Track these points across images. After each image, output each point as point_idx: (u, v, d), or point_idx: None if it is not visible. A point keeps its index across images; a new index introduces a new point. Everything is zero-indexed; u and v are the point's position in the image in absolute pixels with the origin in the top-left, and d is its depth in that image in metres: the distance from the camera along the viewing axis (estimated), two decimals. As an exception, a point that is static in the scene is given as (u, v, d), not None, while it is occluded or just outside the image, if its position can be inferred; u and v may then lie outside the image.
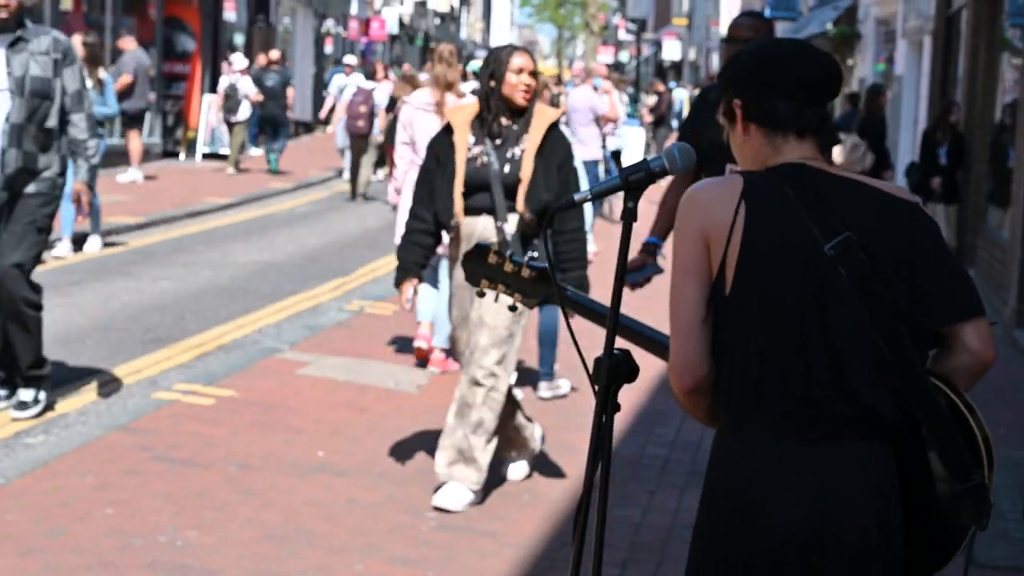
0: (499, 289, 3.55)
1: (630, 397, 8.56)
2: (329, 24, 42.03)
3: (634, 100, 34.98)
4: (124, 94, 19.81)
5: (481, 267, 3.57)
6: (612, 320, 2.89)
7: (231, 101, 23.52)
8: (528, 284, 3.50)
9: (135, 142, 20.96)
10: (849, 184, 2.99)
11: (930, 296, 2.97)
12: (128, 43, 21.06)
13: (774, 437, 2.93)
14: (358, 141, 20.89)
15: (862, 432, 2.92)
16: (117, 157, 22.87)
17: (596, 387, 2.99)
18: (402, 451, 7.46)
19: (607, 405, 2.91)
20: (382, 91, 20.98)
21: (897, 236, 2.95)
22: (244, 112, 23.76)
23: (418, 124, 9.06)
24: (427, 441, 7.67)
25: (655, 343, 3.26)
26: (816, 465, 2.91)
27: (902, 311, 2.93)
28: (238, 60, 24.35)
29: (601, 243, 16.97)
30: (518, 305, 3.55)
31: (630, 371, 2.96)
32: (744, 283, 2.91)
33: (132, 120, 20.81)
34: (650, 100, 34.94)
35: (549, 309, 8.82)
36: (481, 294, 3.59)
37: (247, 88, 23.64)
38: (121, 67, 20.64)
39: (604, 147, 17.86)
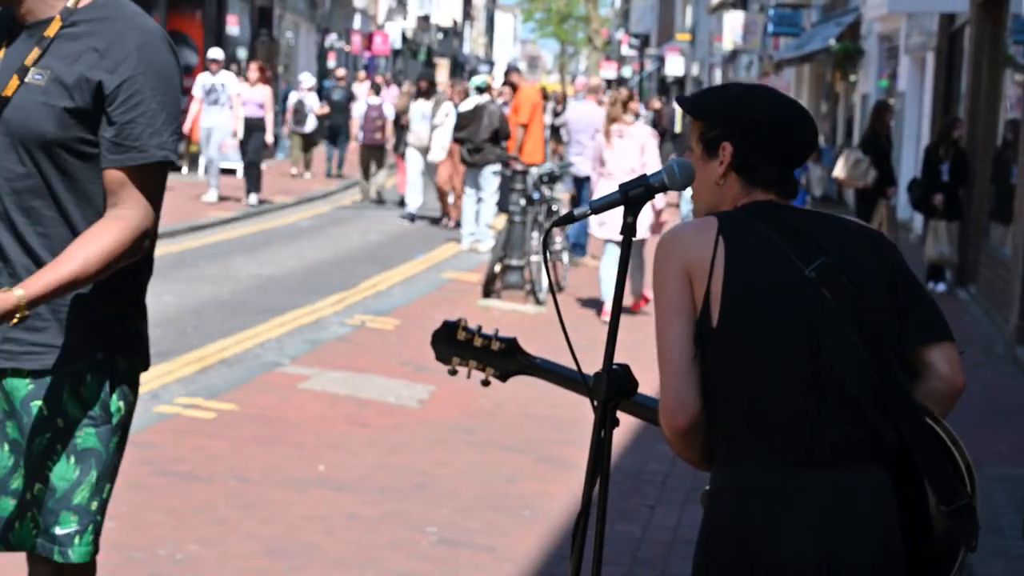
0: (471, 366, 3.50)
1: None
2: (332, 39, 42.10)
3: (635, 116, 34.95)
4: None
5: (451, 345, 3.50)
6: (611, 335, 2.90)
7: (299, 115, 26.84)
8: (499, 357, 3.46)
9: None
10: (818, 217, 3.07)
11: (901, 319, 3.00)
12: None
13: (777, 468, 2.92)
14: (374, 151, 22.96)
15: (865, 457, 2.92)
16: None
17: (595, 402, 2.98)
18: (403, 466, 7.46)
19: (606, 420, 2.91)
20: (389, 105, 23.21)
21: (868, 262, 3.00)
22: (311, 124, 27.06)
23: (604, 149, 12.73)
24: (428, 456, 7.68)
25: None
26: (822, 497, 2.90)
27: (887, 335, 2.96)
28: (306, 79, 27.86)
29: (601, 254, 17.00)
30: (491, 380, 3.51)
31: (629, 386, 2.96)
32: (731, 315, 2.93)
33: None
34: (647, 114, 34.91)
35: None
36: (453, 372, 3.53)
37: (313, 103, 27.12)
38: None
39: None
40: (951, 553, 3.00)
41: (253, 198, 20.98)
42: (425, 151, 19.93)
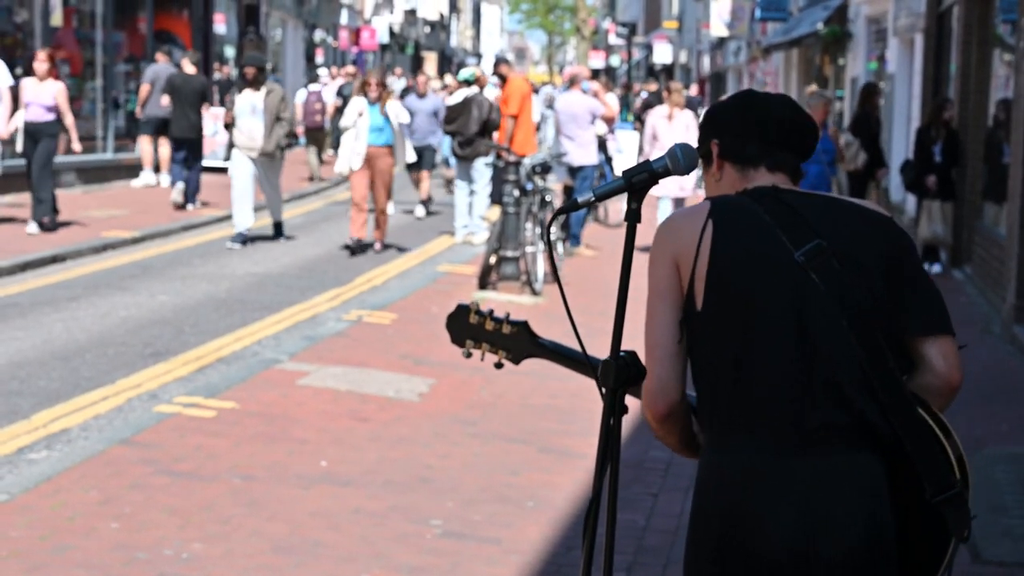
0: (484, 348, 3.52)
1: (634, 400, 8.56)
2: (319, 35, 42.03)
3: (626, 105, 34.96)
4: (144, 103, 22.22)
5: (464, 328, 3.53)
6: (618, 321, 2.90)
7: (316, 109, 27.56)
8: (511, 340, 3.49)
9: (162, 149, 22.50)
10: (823, 200, 3.06)
11: (900, 308, 2.99)
12: (159, 58, 22.89)
13: (761, 452, 2.93)
14: (314, 132, 25.90)
15: (852, 442, 2.92)
16: (112, 172, 22.90)
17: (603, 390, 2.98)
18: (405, 459, 7.45)
19: (615, 408, 2.91)
20: (329, 91, 25.86)
21: (871, 248, 2.99)
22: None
23: (659, 128, 16.48)
24: (430, 449, 7.68)
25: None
26: (805, 479, 2.91)
27: (878, 320, 2.94)
28: (324, 75, 30.56)
29: (596, 243, 17.00)
30: (504, 363, 3.54)
31: (637, 373, 2.97)
32: (715, 299, 2.94)
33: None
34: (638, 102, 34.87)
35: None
36: (468, 355, 3.54)
37: (329, 99, 27.92)
38: (143, 79, 22.70)
39: (603, 151, 17.87)
40: (943, 542, 3.00)
41: (32, 226, 16.05)
42: (261, 154, 16.23)
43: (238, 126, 16.33)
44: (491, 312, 3.52)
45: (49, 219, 16.20)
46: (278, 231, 17.15)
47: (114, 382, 9.31)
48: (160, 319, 11.63)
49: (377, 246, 16.38)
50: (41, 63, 16.29)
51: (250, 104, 16.28)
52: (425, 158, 20.63)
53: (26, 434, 7.98)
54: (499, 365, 3.56)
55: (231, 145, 16.62)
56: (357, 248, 16.11)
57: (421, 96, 21.46)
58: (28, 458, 7.50)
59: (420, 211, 20.69)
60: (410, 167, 20.15)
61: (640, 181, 2.94)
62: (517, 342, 3.47)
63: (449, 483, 7.07)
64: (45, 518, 6.26)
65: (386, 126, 15.82)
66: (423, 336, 10.84)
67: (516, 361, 3.50)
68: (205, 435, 7.72)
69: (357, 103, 15.88)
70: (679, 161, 2.96)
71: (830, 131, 14.15)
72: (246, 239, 16.54)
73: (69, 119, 16.35)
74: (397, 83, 34.13)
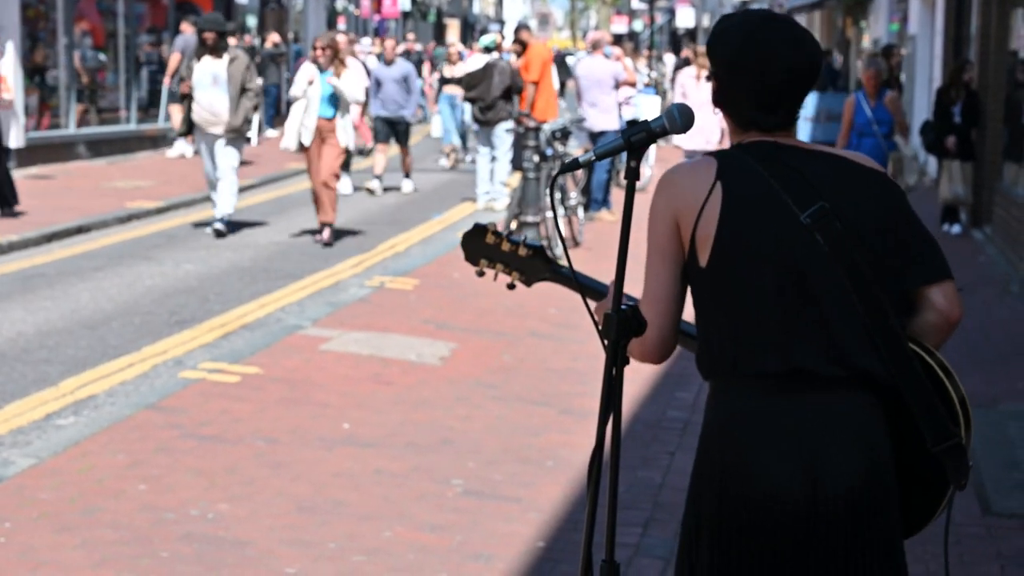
0: (497, 268, 3.59)
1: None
2: (341, 3, 42.04)
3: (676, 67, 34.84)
4: (173, 74, 22.33)
5: (479, 247, 3.59)
6: (619, 275, 2.98)
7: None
8: (526, 263, 3.55)
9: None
10: (820, 157, 3.10)
11: (901, 260, 3.07)
12: (184, 28, 22.88)
13: (758, 399, 3.02)
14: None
15: (850, 389, 3.01)
16: (136, 143, 23.04)
17: (605, 342, 3.07)
18: (427, 422, 7.57)
19: (617, 360, 3.00)
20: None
21: (868, 204, 3.06)
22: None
23: (688, 87, 16.59)
24: (451, 412, 7.78)
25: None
26: (802, 423, 3.00)
27: (879, 277, 3.02)
28: (366, 44, 29.34)
29: (619, 211, 17.05)
30: (516, 284, 3.61)
31: (638, 325, 3.05)
32: (722, 257, 3.01)
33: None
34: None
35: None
36: (480, 273, 3.61)
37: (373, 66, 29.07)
38: (172, 48, 23.00)
39: (621, 116, 17.91)
40: (942, 488, 3.09)
41: None
42: (228, 129, 14.34)
43: (197, 99, 14.33)
44: (508, 233, 3.59)
45: None
46: (222, 227, 14.70)
47: (140, 349, 9.44)
48: (185, 288, 11.76)
49: (325, 234, 14.28)
50: None
51: (211, 74, 14.32)
52: (399, 132, 19.26)
53: (54, 400, 8.12)
54: (511, 286, 3.62)
55: (189, 120, 14.51)
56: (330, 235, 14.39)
57: (388, 63, 19.56)
58: (56, 424, 7.64)
59: (408, 186, 19.60)
60: (379, 142, 19.27)
61: (638, 140, 3.02)
62: (532, 265, 3.54)
63: (470, 445, 7.18)
64: (74, 481, 6.40)
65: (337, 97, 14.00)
66: (445, 301, 10.95)
67: (529, 283, 3.57)
68: (230, 400, 7.84)
69: (306, 70, 14.00)
70: (676, 120, 3.04)
71: (886, 100, 13.78)
72: (226, 224, 14.73)
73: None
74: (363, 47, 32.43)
